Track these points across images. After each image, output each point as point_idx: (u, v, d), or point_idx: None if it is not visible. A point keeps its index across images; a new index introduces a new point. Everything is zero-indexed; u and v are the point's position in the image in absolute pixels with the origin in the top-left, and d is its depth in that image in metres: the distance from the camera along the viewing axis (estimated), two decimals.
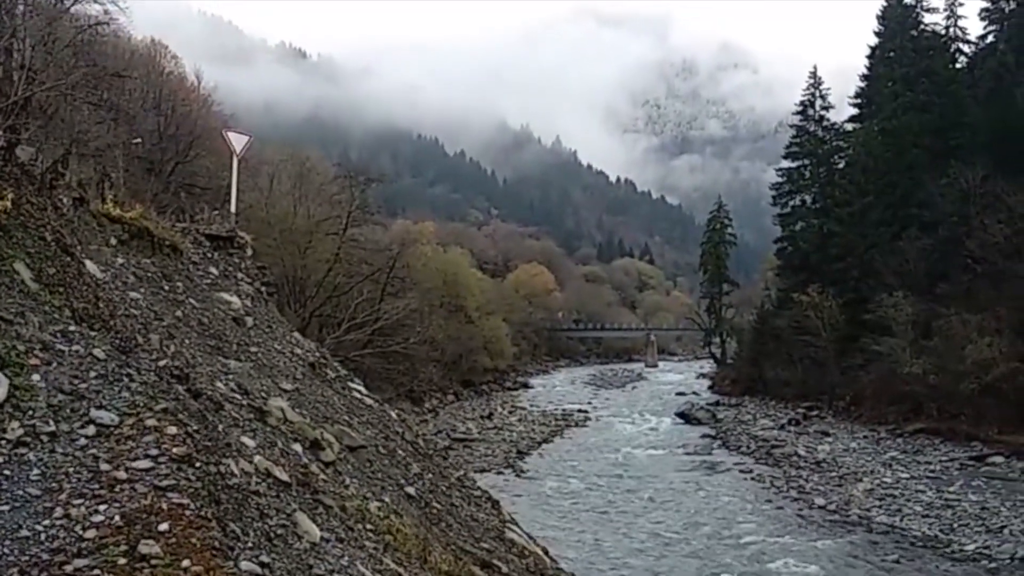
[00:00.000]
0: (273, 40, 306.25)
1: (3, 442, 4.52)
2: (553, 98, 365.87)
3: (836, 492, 29.46)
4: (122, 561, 3.76)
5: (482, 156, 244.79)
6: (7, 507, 4.09)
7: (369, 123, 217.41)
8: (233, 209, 12.26)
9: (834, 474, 32.24)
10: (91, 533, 3.94)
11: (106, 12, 18.56)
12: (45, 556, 3.82)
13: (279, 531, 4.99)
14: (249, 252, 10.74)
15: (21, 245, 5.96)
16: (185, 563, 3.83)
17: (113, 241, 7.97)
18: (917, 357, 38.70)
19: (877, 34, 55.73)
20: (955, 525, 24.47)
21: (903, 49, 51.60)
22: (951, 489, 28.55)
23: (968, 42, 53.03)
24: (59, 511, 4.09)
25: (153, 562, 3.79)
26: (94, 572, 3.72)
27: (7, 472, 4.31)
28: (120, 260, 7.71)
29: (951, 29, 52.84)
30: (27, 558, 3.80)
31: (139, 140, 24.38)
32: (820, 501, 28.27)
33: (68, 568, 3.74)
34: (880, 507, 27.09)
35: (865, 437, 39.14)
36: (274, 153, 43.83)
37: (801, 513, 27.00)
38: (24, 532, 3.96)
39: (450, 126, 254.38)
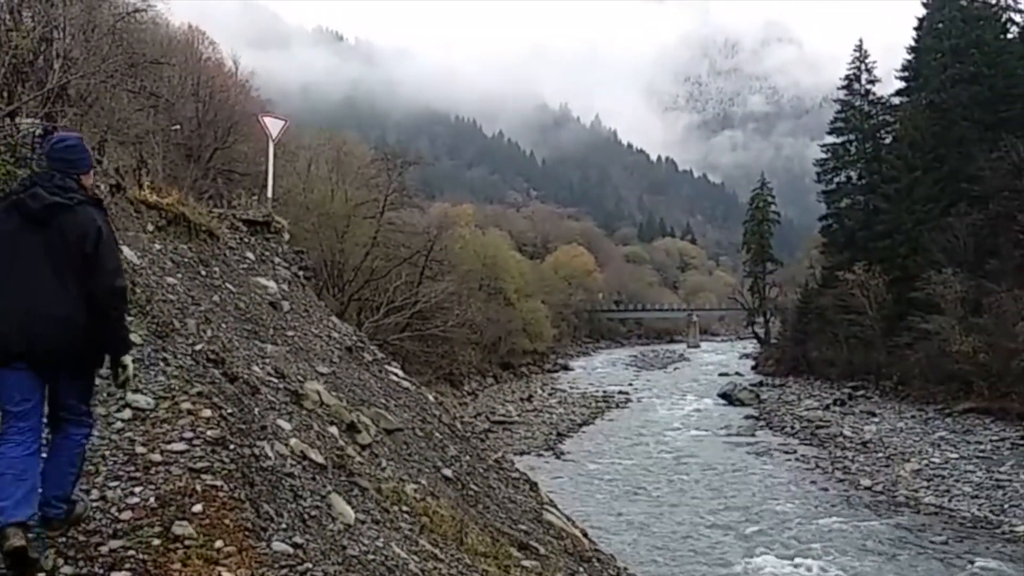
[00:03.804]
0: (310, 24, 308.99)
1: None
2: (593, 76, 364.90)
3: (883, 473, 29.06)
4: (156, 542, 3.83)
5: (520, 136, 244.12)
6: None
7: (406, 105, 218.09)
8: (270, 194, 12.35)
9: (881, 455, 31.79)
10: (126, 515, 4.00)
11: None
12: (81, 538, 3.89)
13: (313, 512, 5.02)
14: (286, 237, 10.81)
15: None
16: (218, 543, 3.88)
17: (150, 227, 8.06)
18: (967, 335, 37.86)
19: (925, 5, 54.15)
20: (1006, 506, 24.01)
21: (952, 20, 50.13)
22: (1002, 469, 27.96)
23: (1019, 11, 51.06)
24: (95, 493, 4.16)
25: (187, 543, 3.85)
26: (129, 553, 3.78)
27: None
28: (157, 246, 7.79)
29: None
30: (64, 540, 3.87)
31: (178, 126, 24.65)
32: (866, 482, 27.92)
33: (103, 549, 3.81)
34: (928, 488, 26.67)
35: (913, 417, 38.46)
36: (311, 137, 44.02)
37: (847, 494, 26.69)
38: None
39: (488, 107, 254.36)
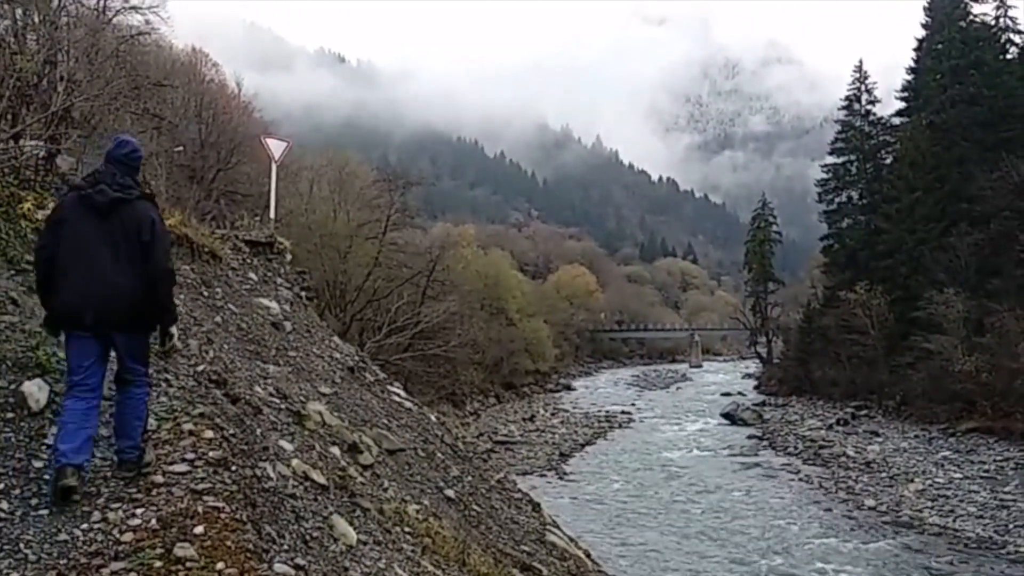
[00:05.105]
0: (312, 46, 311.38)
1: (44, 447, 4.61)
2: (594, 98, 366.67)
3: (887, 493, 28.91)
4: (158, 564, 3.81)
5: (522, 157, 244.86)
6: (46, 511, 4.17)
7: (408, 126, 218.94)
8: (272, 215, 12.39)
9: (884, 475, 31.64)
10: (128, 536, 3.99)
11: (148, 22, 18.98)
12: (83, 559, 3.88)
13: (315, 534, 5.00)
14: (288, 257, 10.82)
15: None
16: (220, 565, 3.86)
17: None
18: (969, 355, 37.80)
19: (924, 26, 54.60)
20: (1010, 526, 23.85)
21: (951, 41, 50.39)
22: (1006, 489, 27.84)
23: (1019, 32, 51.38)
24: (97, 515, 4.16)
25: (188, 564, 3.83)
26: (130, 575, 3.76)
27: (47, 477, 4.39)
28: None
29: (1001, 19, 51.37)
30: (65, 561, 3.86)
31: (181, 148, 24.78)
32: (870, 502, 27.77)
33: (105, 571, 3.79)
34: (932, 508, 26.51)
35: (916, 437, 38.34)
36: (314, 158, 44.16)
37: (851, 514, 26.53)
38: (63, 536, 4.03)
39: (490, 127, 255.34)
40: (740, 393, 62.76)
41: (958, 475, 30.50)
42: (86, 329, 4.54)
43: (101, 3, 16.93)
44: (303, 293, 10.67)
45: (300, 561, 4.39)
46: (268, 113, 46.38)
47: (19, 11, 10.81)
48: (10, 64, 8.23)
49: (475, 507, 8.21)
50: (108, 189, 4.62)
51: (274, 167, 13.12)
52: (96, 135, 9.77)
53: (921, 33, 54.89)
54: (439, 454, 8.91)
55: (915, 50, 55.40)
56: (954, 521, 24.93)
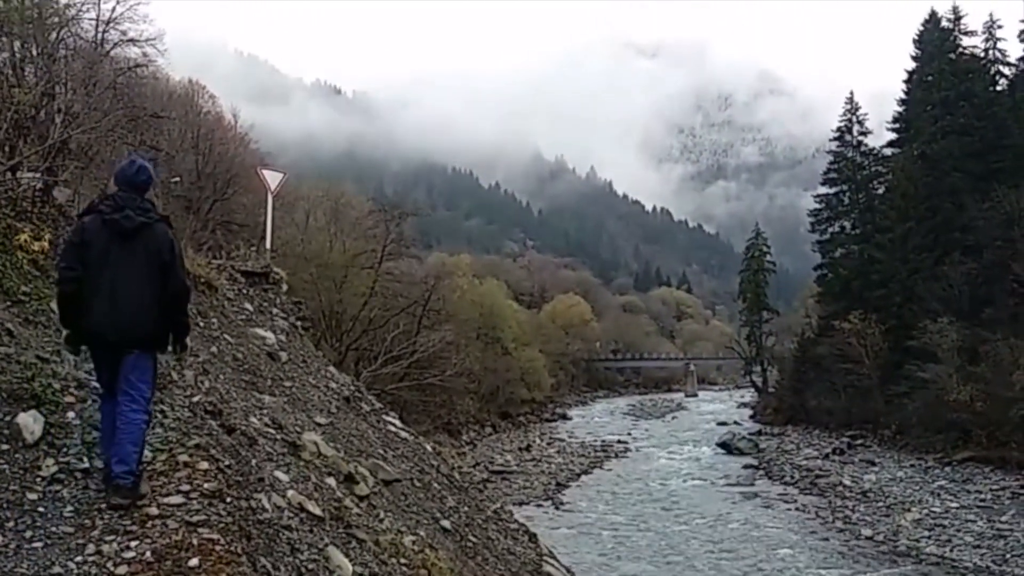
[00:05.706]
0: (309, 78, 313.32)
1: (38, 479, 4.59)
2: (588, 128, 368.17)
3: (883, 522, 28.78)
4: None
5: (517, 187, 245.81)
6: (40, 544, 4.14)
7: (404, 157, 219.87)
8: (268, 245, 12.43)
9: (881, 504, 31.52)
10: (122, 569, 3.97)
11: (145, 55, 19.11)
12: None
13: (311, 566, 4.97)
14: (284, 287, 10.84)
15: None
16: None
17: None
18: (964, 384, 37.82)
19: (914, 58, 55.20)
20: (1007, 556, 23.75)
21: (941, 72, 51.02)
22: (1003, 519, 27.74)
23: (1008, 64, 52.13)
24: (91, 547, 4.13)
25: None
26: None
27: (41, 509, 4.37)
28: None
29: (990, 51, 52.10)
30: None
31: (178, 179, 24.87)
32: (867, 532, 27.64)
33: None
34: (929, 537, 26.39)
35: (912, 466, 38.26)
36: (310, 189, 44.30)
37: (848, 544, 26.39)
38: (56, 569, 4.00)
39: (485, 158, 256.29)
40: (736, 422, 62.60)
41: (955, 504, 30.40)
42: (109, 347, 4.79)
43: (99, 36, 17.10)
44: (299, 323, 10.67)
45: None
46: (264, 144, 46.46)
47: (17, 44, 10.91)
48: (8, 96, 8.29)
49: (471, 538, 8.17)
50: (133, 215, 4.83)
51: (270, 198, 13.18)
52: (93, 167, 9.82)
53: (911, 65, 55.50)
54: (435, 484, 8.88)
55: (905, 82, 55.96)
56: (951, 551, 24.82)
